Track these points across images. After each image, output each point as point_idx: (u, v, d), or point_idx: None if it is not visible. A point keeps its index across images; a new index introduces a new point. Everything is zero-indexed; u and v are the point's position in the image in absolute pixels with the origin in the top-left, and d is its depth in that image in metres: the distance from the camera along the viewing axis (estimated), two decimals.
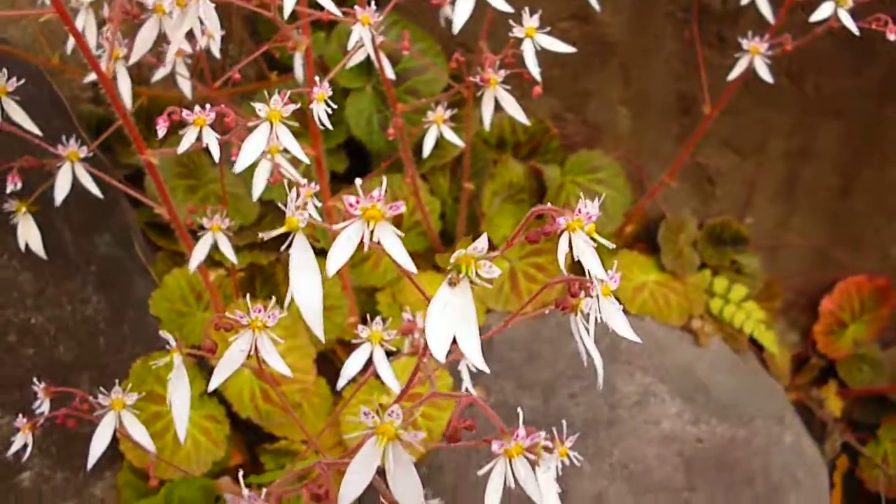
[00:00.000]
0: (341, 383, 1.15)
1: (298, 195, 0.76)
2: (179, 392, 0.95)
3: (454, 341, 0.70)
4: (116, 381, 1.20)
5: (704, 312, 2.06)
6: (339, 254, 0.66)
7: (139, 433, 1.16)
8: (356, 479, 0.68)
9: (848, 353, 2.32)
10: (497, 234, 1.93)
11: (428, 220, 1.90)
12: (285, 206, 0.75)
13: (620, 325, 0.83)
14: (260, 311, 0.88)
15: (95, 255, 1.67)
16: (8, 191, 1.37)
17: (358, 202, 0.66)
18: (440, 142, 1.85)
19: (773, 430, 1.89)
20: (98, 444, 1.13)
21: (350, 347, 1.17)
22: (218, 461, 1.68)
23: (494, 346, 1.85)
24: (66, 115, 1.69)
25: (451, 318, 0.69)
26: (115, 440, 1.62)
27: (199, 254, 1.41)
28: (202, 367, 1.71)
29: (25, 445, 1.19)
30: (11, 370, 1.49)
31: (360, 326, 1.13)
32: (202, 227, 1.47)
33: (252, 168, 1.36)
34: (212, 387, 0.87)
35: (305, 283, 0.72)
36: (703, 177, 2.15)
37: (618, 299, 0.83)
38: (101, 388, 1.17)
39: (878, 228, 2.21)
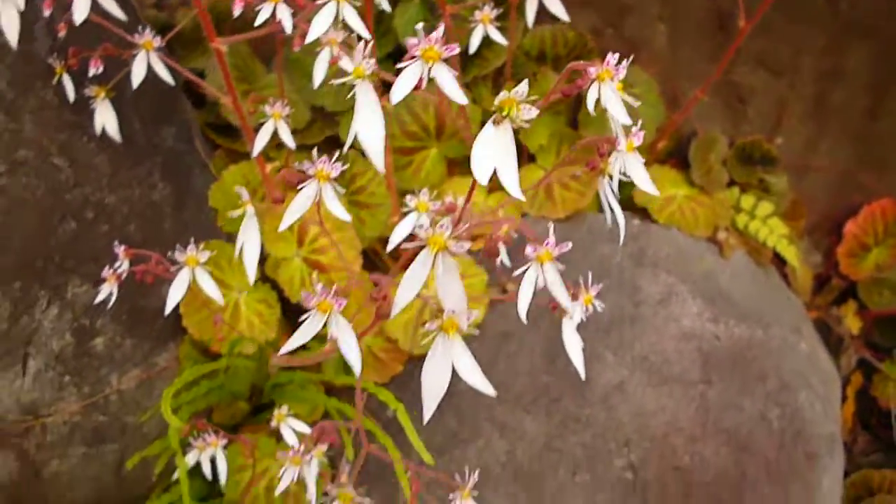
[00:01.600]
0: (391, 245, 1.26)
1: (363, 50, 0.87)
2: (250, 236, 1.08)
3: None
4: None
5: (730, 226, 2.14)
6: (402, 87, 0.76)
7: (210, 286, 1.29)
8: (411, 283, 0.80)
9: (869, 275, 2.37)
10: (534, 143, 2.03)
11: (468, 127, 2.00)
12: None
13: (641, 178, 0.93)
14: (324, 162, 1.00)
15: (162, 147, 1.80)
16: (90, 74, 1.48)
17: (418, 43, 0.77)
18: (483, 52, 1.94)
19: (790, 337, 1.98)
20: (175, 293, 1.26)
21: None
22: (270, 341, 1.83)
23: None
24: (134, 13, 1.80)
25: (493, 151, 0.79)
26: (178, 316, 1.79)
27: (261, 140, 1.52)
28: None
29: (111, 294, 1.33)
30: (89, 244, 1.64)
31: (407, 196, 1.24)
32: (261, 125, 1.60)
33: (304, 69, 1.47)
34: (283, 226, 0.99)
35: (368, 121, 0.83)
36: (735, 96, 2.20)
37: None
38: (178, 246, 1.31)
39: None
